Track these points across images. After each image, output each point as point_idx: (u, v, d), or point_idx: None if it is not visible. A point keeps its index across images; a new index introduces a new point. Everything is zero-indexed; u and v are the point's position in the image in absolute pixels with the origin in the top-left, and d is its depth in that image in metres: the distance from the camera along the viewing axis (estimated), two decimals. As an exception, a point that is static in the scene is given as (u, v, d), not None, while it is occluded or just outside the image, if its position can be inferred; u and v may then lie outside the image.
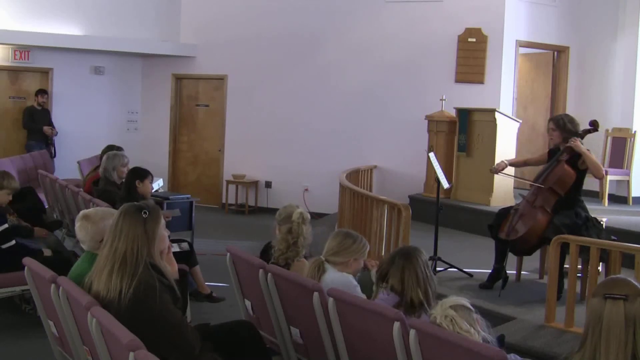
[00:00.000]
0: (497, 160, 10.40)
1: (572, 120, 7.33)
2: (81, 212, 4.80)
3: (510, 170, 8.38)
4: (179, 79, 15.26)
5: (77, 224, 4.67)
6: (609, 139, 12.03)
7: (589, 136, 7.38)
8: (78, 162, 12.25)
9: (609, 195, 11.55)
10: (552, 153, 7.44)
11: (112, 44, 14.16)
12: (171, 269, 4.20)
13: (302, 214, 5.44)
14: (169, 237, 4.38)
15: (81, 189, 8.48)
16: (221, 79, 14.76)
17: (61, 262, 6.21)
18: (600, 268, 6.51)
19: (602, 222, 7.30)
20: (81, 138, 14.30)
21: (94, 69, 14.95)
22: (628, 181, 11.74)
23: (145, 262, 3.94)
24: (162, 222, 4.18)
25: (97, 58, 14.83)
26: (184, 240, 8.05)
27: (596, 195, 11.53)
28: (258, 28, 14.19)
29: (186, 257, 7.62)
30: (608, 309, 2.88)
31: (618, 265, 5.87)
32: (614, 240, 6.69)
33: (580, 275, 6.84)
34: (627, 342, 2.84)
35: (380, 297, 4.39)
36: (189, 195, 10.16)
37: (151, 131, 15.38)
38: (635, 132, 11.79)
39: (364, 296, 4.62)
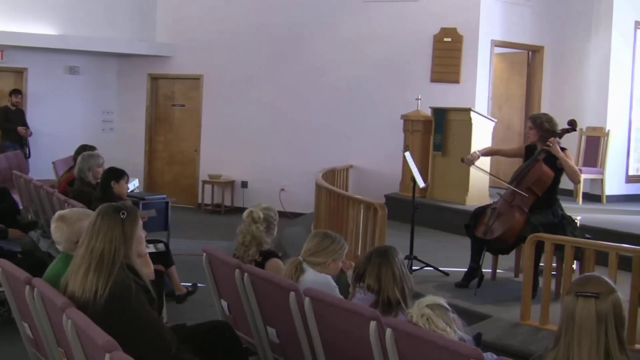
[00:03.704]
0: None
1: (550, 120, 7.32)
2: (57, 213, 4.77)
3: (486, 164, 8.38)
4: (154, 78, 15.22)
5: (53, 225, 4.64)
6: (583, 137, 12.13)
7: (566, 136, 7.41)
8: (53, 163, 12.16)
9: (583, 193, 11.64)
10: (529, 149, 7.46)
11: (87, 43, 14.09)
12: (147, 269, 4.19)
13: (252, 212, 5.45)
14: (144, 237, 4.37)
15: (56, 190, 8.42)
16: (197, 78, 14.74)
17: (36, 264, 6.18)
18: (574, 266, 6.55)
19: (576, 221, 7.34)
20: (56, 138, 14.19)
21: (69, 68, 14.87)
22: (602, 180, 11.84)
23: (122, 263, 3.93)
24: (140, 223, 4.18)
25: (72, 58, 14.74)
26: (159, 241, 8.03)
27: (570, 194, 11.59)
28: (234, 28, 14.17)
29: (162, 258, 7.60)
30: (580, 307, 2.91)
31: (592, 264, 5.92)
32: (588, 238, 6.73)
33: (555, 273, 6.88)
34: (599, 339, 2.87)
35: (358, 297, 4.40)
36: (164, 196, 10.12)
37: (127, 131, 15.32)
38: (608, 131, 11.89)
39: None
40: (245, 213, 5.51)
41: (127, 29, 14.72)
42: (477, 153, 7.82)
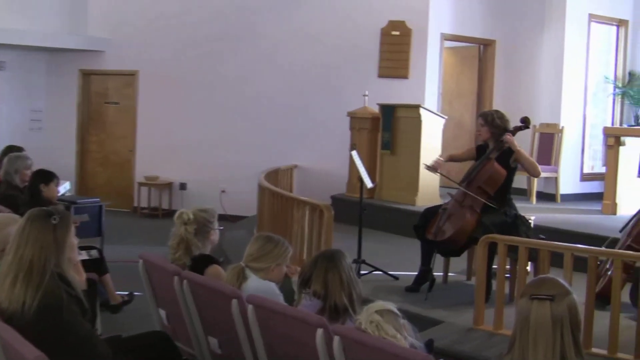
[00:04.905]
0: (423, 158, 10.54)
1: (502, 116, 7.40)
2: (-19, 219, 4.69)
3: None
4: (86, 74, 15.03)
5: (-23, 232, 4.57)
6: (537, 134, 12.29)
7: (518, 133, 7.49)
8: (-23, 165, 11.96)
9: (537, 192, 11.78)
10: (480, 149, 7.53)
11: (13, 37, 13.79)
12: (79, 278, 4.14)
13: (182, 214, 5.42)
14: (77, 244, 4.32)
15: (-20, 194, 8.28)
16: (132, 74, 14.59)
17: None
18: (529, 268, 6.63)
19: (530, 221, 7.43)
20: (-20, 139, 13.97)
21: (-7, 64, 14.64)
22: (556, 178, 12.00)
23: (52, 272, 3.87)
24: (73, 229, 4.13)
25: (-4, 52, 14.52)
26: (93, 247, 7.95)
27: (524, 193, 11.75)
28: (171, 21, 14.06)
29: (95, 265, 7.51)
30: (535, 310, 2.94)
31: (547, 265, 5.98)
32: (542, 239, 6.81)
33: (508, 275, 6.95)
34: (554, 342, 2.90)
35: (304, 303, 4.40)
36: (98, 199, 10.01)
37: (57, 131, 15.09)
38: (562, 127, 12.06)
39: (286, 305, 4.62)
40: (176, 214, 5.49)
41: (57, 21, 14.50)
42: (441, 160, 7.82)
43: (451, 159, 8.33)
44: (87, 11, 14.69)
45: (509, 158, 7.20)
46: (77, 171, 15.05)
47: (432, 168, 7.75)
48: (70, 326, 3.82)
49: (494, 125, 7.31)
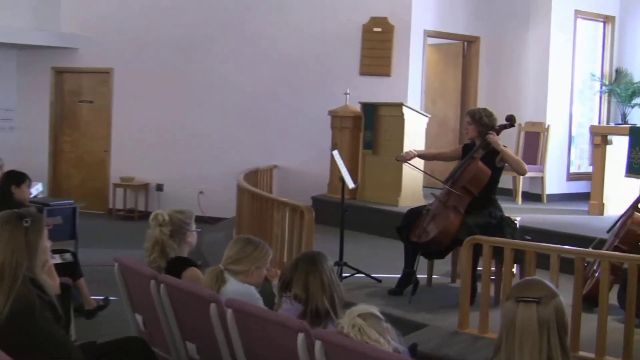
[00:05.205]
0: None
1: (489, 114, 7.40)
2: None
3: (420, 163, 8.43)
4: (59, 72, 14.96)
5: (-55, 235, 4.53)
6: (522, 133, 12.33)
7: (504, 132, 7.51)
8: (-55, 167, 11.88)
9: (523, 192, 11.83)
10: (467, 148, 7.53)
11: (-18, 33, 13.77)
12: (52, 282, 4.12)
13: (157, 215, 5.43)
14: (49, 247, 4.30)
15: (-51, 196, 8.23)
16: (106, 72, 14.53)
17: None
18: (514, 270, 6.64)
19: (515, 222, 7.44)
20: (-51, 139, 13.88)
21: (-39, 61, 14.54)
22: (542, 178, 12.03)
23: (24, 277, 3.85)
24: (45, 232, 4.11)
25: (-35, 49, 14.42)
26: (66, 251, 7.91)
27: (509, 193, 11.78)
28: (147, 17, 14.02)
29: (69, 269, 7.48)
30: (521, 313, 2.94)
31: (533, 267, 5.99)
32: (528, 240, 6.83)
33: (494, 278, 6.97)
34: (541, 346, 2.90)
35: (285, 307, 4.39)
36: (71, 201, 9.98)
37: (29, 130, 14.99)
38: (548, 126, 12.10)
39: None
40: (151, 216, 5.50)
41: (27, 16, 14.39)
42: (413, 152, 7.87)
43: (437, 157, 8.36)
44: (60, 6, 14.60)
45: (494, 158, 7.21)
46: (50, 172, 14.97)
47: (402, 158, 7.81)
48: (43, 332, 3.80)
49: (482, 124, 7.32)
